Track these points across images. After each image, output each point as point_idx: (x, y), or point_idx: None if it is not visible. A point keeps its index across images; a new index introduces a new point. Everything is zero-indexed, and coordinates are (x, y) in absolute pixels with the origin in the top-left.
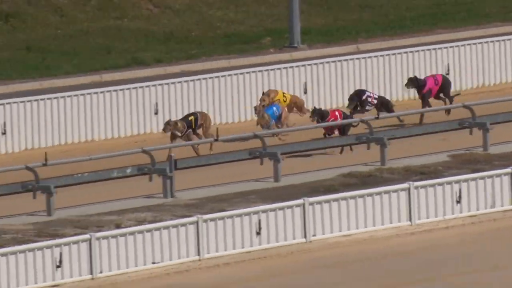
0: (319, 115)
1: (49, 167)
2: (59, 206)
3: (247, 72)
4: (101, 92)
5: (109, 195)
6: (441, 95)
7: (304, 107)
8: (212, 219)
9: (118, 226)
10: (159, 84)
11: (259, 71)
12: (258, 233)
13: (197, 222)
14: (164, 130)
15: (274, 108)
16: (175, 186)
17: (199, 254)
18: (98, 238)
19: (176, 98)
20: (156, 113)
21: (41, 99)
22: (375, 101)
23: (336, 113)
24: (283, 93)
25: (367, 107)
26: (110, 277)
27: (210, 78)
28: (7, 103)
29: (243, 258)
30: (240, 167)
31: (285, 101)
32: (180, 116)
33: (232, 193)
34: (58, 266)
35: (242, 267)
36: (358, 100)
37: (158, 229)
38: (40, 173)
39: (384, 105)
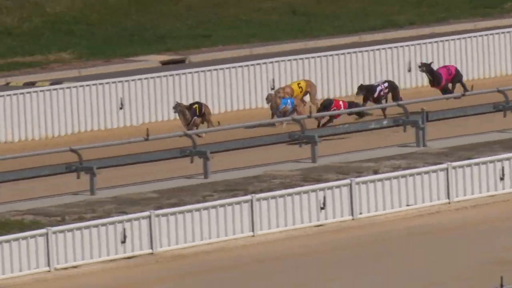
0: (323, 105)
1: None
2: (323, 154)
3: (490, 34)
4: (360, 52)
5: (367, 144)
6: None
7: (315, 97)
8: (460, 166)
9: (375, 172)
10: (412, 45)
11: (502, 32)
12: (502, 179)
13: (447, 169)
14: (174, 108)
15: (289, 101)
16: (427, 136)
17: (448, 198)
18: (358, 183)
19: (427, 57)
20: (409, 71)
21: (306, 58)
22: (387, 90)
23: (340, 102)
24: (298, 83)
25: (382, 100)
26: (369, 218)
27: (458, 39)
28: (276, 61)
29: (487, 201)
30: (485, 119)
31: (301, 92)
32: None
33: (478, 143)
34: (322, 208)
35: (487, 209)
36: (370, 95)
37: (411, 175)
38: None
39: (393, 90)
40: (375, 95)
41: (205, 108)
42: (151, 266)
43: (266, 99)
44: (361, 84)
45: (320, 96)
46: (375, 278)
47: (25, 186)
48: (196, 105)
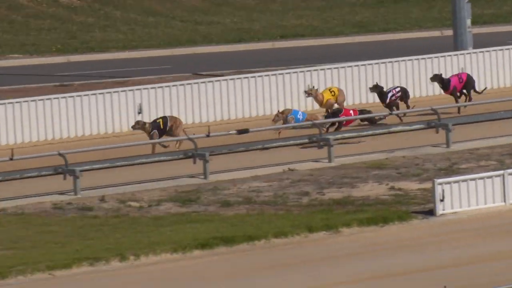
0: (332, 112)
1: None
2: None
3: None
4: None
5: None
6: (464, 91)
7: (342, 105)
8: None
9: None
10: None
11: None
12: None
13: None
14: (133, 127)
15: (300, 112)
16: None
17: None
18: None
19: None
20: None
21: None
22: (399, 94)
23: (351, 111)
24: (329, 89)
25: (396, 102)
26: None
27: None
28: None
29: None
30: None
31: (333, 95)
32: None
33: None
34: None
35: None
36: (382, 101)
37: None
38: None
39: (404, 95)
40: (387, 101)
41: (173, 121)
42: None
43: (273, 120)
44: (377, 84)
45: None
46: None
47: None
48: (160, 119)
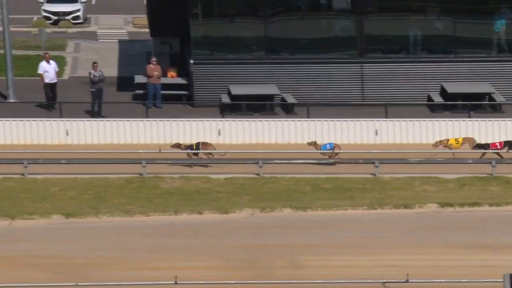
0: (480, 145)
1: None
2: None
3: None
4: None
5: None
6: None
7: (472, 146)
8: None
9: None
10: None
11: None
12: None
13: None
14: (172, 146)
15: (328, 145)
16: None
17: None
18: None
19: None
20: None
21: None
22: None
23: (497, 143)
24: (456, 139)
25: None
26: None
27: None
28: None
29: None
30: None
31: (457, 143)
32: None
33: None
34: None
35: None
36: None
37: None
38: None
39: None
40: None
41: (202, 146)
42: None
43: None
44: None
45: None
46: None
47: None
48: (194, 144)
